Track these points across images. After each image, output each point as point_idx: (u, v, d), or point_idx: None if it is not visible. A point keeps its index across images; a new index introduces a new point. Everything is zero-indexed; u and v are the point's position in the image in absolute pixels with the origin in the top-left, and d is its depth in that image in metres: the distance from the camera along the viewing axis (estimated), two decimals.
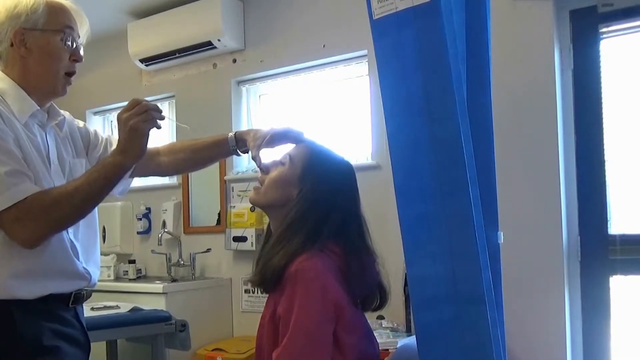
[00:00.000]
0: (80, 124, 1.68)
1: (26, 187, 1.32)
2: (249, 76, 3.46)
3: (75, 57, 1.50)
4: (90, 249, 1.54)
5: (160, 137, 3.80)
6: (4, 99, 1.40)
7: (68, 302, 1.45)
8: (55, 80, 1.48)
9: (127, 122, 1.34)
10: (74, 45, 1.49)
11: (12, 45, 1.43)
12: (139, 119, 1.34)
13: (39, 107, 1.46)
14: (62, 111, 1.58)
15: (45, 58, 1.45)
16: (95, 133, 1.70)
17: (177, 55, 3.49)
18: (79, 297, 1.48)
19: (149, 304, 2.90)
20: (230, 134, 1.68)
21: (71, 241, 1.46)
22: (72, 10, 1.50)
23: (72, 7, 1.51)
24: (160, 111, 1.39)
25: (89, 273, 1.50)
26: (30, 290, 1.36)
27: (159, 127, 1.39)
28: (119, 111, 1.39)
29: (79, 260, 1.47)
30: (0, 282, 1.33)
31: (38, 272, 1.38)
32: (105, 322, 2.53)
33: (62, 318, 1.43)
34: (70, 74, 1.50)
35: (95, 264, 1.55)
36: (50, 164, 1.45)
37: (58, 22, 1.46)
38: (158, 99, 3.79)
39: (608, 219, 2.41)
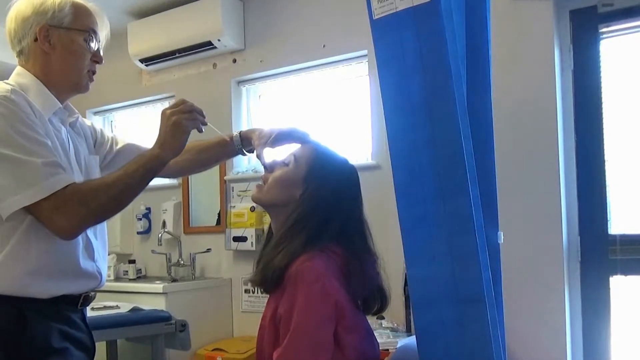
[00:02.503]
0: (88, 122, 1.69)
1: (64, 177, 1.32)
2: (249, 76, 3.46)
3: (95, 58, 1.53)
4: (103, 249, 1.55)
5: None
6: (26, 95, 1.40)
7: (77, 303, 1.45)
8: (79, 77, 1.50)
9: (170, 117, 1.39)
10: (96, 47, 1.52)
11: (35, 40, 1.45)
12: (183, 116, 1.40)
13: (61, 105, 1.47)
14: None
15: (68, 56, 1.48)
16: (102, 131, 1.72)
17: (177, 55, 3.49)
18: (88, 298, 1.49)
19: (149, 304, 2.90)
20: (235, 134, 1.69)
21: (88, 239, 1.46)
22: (96, 14, 1.54)
23: (97, 10, 1.54)
24: (204, 116, 1.45)
25: (100, 273, 1.50)
26: (45, 288, 1.36)
27: (200, 130, 1.45)
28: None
29: (93, 260, 1.48)
30: (16, 279, 1.33)
31: (53, 271, 1.38)
32: (105, 322, 2.53)
33: (71, 320, 1.43)
34: (91, 72, 1.53)
35: (105, 264, 1.56)
36: (70, 160, 1.45)
37: (83, 24, 1.49)
38: (158, 99, 3.80)
39: (608, 219, 2.41)
